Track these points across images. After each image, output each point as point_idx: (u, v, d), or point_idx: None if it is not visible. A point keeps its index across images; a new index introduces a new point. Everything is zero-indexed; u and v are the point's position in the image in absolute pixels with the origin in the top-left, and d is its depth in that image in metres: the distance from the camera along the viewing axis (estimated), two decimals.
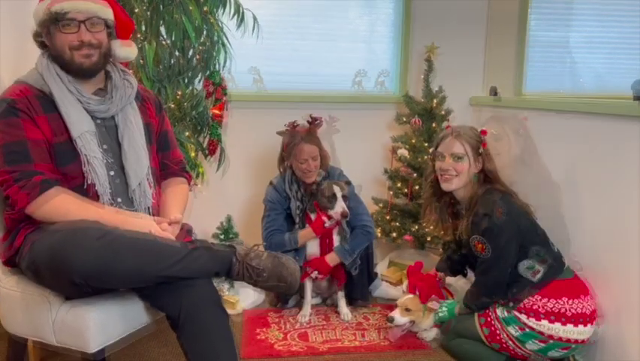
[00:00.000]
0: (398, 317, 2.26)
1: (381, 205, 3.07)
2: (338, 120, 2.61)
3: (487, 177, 2.13)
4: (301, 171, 2.55)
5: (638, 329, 1.88)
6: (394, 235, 2.96)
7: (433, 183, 2.25)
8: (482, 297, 2.09)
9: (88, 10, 1.62)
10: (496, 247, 2.00)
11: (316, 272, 2.53)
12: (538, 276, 2.01)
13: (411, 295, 2.31)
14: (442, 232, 2.35)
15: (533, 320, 1.98)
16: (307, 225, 2.56)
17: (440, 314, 2.29)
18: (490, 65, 3.23)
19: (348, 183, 2.60)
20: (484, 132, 2.17)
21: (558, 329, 1.95)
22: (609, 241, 2.03)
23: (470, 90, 3.24)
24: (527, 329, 1.98)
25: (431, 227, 2.39)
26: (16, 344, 1.75)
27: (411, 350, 2.26)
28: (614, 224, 2.00)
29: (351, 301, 2.67)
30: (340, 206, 2.44)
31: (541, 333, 1.97)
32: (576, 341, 1.97)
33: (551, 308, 1.96)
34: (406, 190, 2.99)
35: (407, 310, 2.27)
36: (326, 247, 2.55)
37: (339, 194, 2.45)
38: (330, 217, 2.48)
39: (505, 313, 2.04)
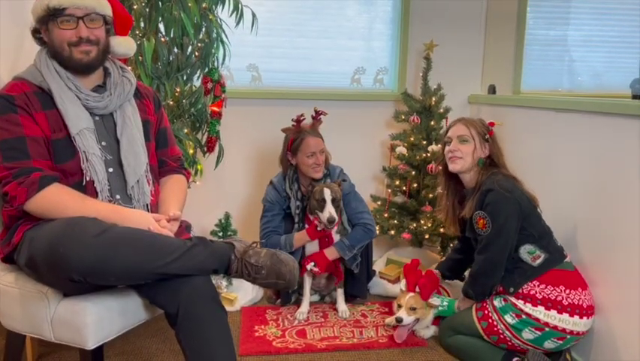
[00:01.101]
0: (406, 316, 2.26)
1: (379, 203, 3.08)
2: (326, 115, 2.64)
3: (493, 163, 2.19)
4: (309, 166, 2.53)
5: (633, 326, 1.89)
6: (392, 232, 2.97)
7: (444, 169, 2.32)
8: (480, 277, 2.11)
9: (86, 6, 1.62)
10: (496, 221, 2.03)
11: (313, 263, 2.51)
12: (539, 261, 2.03)
13: (412, 294, 2.31)
14: (450, 225, 2.36)
15: (530, 305, 2.00)
16: (306, 225, 2.56)
17: (440, 308, 2.30)
18: (488, 62, 3.23)
19: (344, 180, 2.58)
20: (492, 123, 2.25)
21: (554, 317, 1.97)
22: (607, 238, 2.03)
23: (469, 88, 3.24)
24: (524, 316, 2.00)
25: (442, 216, 2.41)
26: (14, 340, 1.75)
27: (409, 347, 2.27)
28: (612, 221, 2.01)
29: (349, 298, 2.67)
30: (328, 211, 2.41)
31: (537, 320, 1.98)
32: (571, 332, 1.98)
33: (548, 295, 1.98)
34: (404, 188, 2.99)
35: (412, 309, 2.28)
36: (325, 245, 2.55)
37: (328, 198, 2.42)
38: (320, 221, 2.48)
39: (502, 303, 2.06)
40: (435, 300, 2.32)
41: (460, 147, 2.18)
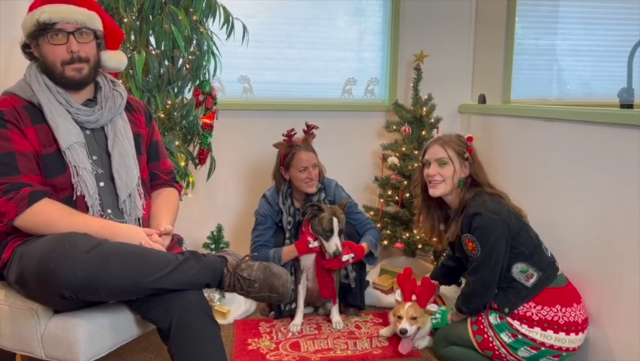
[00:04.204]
0: (409, 327, 2.24)
1: (372, 213, 3.07)
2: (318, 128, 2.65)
3: (474, 182, 2.16)
4: (302, 181, 2.53)
5: (629, 333, 1.89)
6: (385, 242, 2.97)
7: (422, 190, 2.29)
8: (473, 298, 2.10)
9: (77, 20, 1.61)
10: (486, 245, 2.01)
11: (352, 255, 2.46)
12: (532, 281, 2.02)
13: (410, 303, 2.29)
14: (436, 240, 2.36)
15: (526, 326, 1.99)
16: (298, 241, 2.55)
17: (434, 321, 2.30)
18: (478, 73, 3.26)
19: (343, 202, 2.55)
20: (470, 139, 2.21)
21: (550, 337, 1.96)
22: (599, 246, 2.04)
23: (459, 98, 3.26)
24: (520, 336, 1.99)
25: (425, 235, 2.40)
26: (3, 358, 1.73)
27: (403, 359, 2.26)
28: (604, 230, 2.02)
29: (345, 309, 2.67)
30: (334, 243, 2.37)
31: (534, 340, 1.98)
32: (567, 350, 1.98)
33: (544, 316, 1.97)
34: (396, 198, 3.00)
35: (413, 318, 2.26)
36: (320, 260, 2.54)
37: (336, 229, 2.38)
38: (315, 238, 2.46)
39: (498, 320, 2.05)
40: (432, 306, 2.31)
41: (439, 171, 2.14)
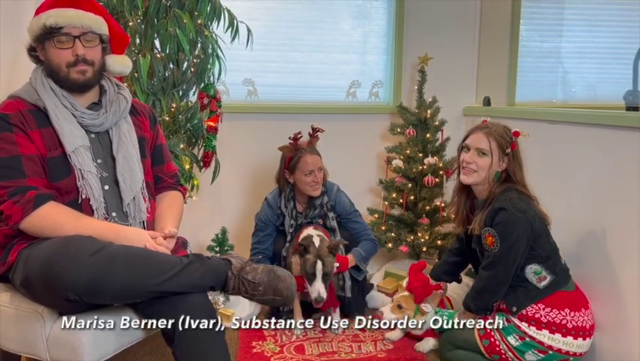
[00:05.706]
0: (387, 312, 2.26)
1: (376, 216, 3.08)
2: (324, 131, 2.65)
3: (508, 177, 2.11)
4: (307, 185, 2.52)
5: (632, 339, 1.88)
6: (390, 245, 2.96)
7: (458, 174, 2.23)
8: (483, 294, 2.07)
9: (83, 24, 1.62)
10: (506, 241, 1.98)
11: (338, 264, 2.43)
12: (544, 283, 2.01)
13: (407, 293, 2.30)
14: (458, 225, 2.31)
15: (534, 328, 1.98)
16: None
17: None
18: (482, 75, 3.26)
19: (334, 243, 2.45)
20: (516, 134, 2.14)
21: (558, 340, 1.95)
22: (605, 250, 2.03)
23: (464, 100, 3.26)
24: (527, 339, 1.99)
25: (452, 219, 2.39)
26: (8, 360, 1.73)
27: None
28: (609, 234, 2.01)
29: (347, 314, 2.66)
30: (316, 289, 2.24)
31: (541, 343, 1.97)
32: (574, 354, 1.97)
33: (553, 319, 1.97)
34: (401, 201, 3.00)
35: (399, 306, 2.27)
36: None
37: (319, 274, 2.26)
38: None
39: (505, 323, 2.04)
40: (426, 306, 2.27)
41: (476, 160, 2.08)
